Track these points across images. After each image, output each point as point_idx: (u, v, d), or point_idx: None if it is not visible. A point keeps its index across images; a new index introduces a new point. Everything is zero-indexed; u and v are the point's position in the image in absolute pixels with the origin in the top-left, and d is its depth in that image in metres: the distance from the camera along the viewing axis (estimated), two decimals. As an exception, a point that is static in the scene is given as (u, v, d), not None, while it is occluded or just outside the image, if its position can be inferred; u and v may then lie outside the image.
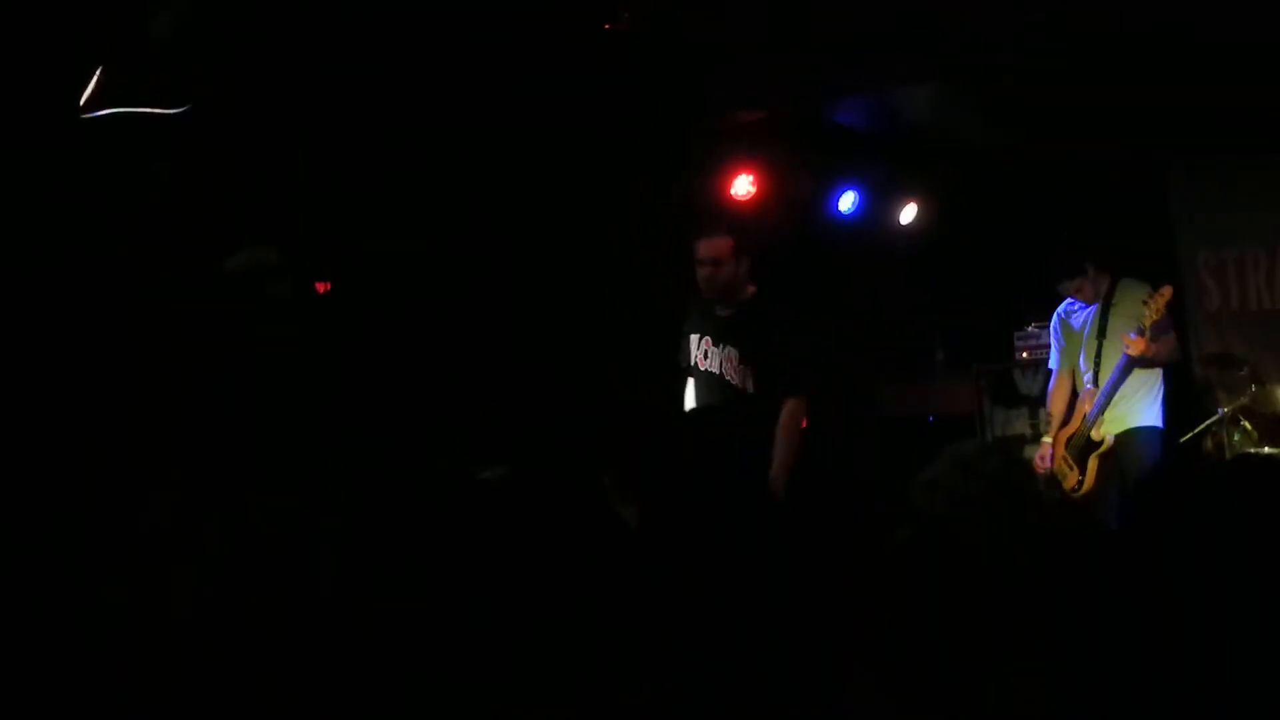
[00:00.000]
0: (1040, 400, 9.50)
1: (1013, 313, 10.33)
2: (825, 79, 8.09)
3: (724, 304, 7.16)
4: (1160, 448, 8.23)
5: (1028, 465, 8.09)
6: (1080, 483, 8.16)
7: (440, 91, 7.06)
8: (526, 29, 6.74)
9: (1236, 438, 9.15)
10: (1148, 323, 7.87)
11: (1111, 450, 8.12)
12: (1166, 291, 7.94)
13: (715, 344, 7.12)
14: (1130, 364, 7.97)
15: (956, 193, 10.00)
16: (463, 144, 7.68)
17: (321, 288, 7.89)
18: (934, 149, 9.37)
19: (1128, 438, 8.15)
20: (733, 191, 9.30)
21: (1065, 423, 8.36)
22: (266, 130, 6.83)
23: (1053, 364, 8.65)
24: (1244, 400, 9.23)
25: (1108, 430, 8.17)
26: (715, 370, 7.07)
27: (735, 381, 7.01)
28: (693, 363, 7.21)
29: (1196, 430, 9.26)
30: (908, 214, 10.30)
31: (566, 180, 8.35)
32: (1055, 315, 8.57)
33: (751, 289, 7.21)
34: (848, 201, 10.04)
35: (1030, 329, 9.91)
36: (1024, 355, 10.31)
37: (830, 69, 7.84)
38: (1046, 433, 8.46)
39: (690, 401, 7.25)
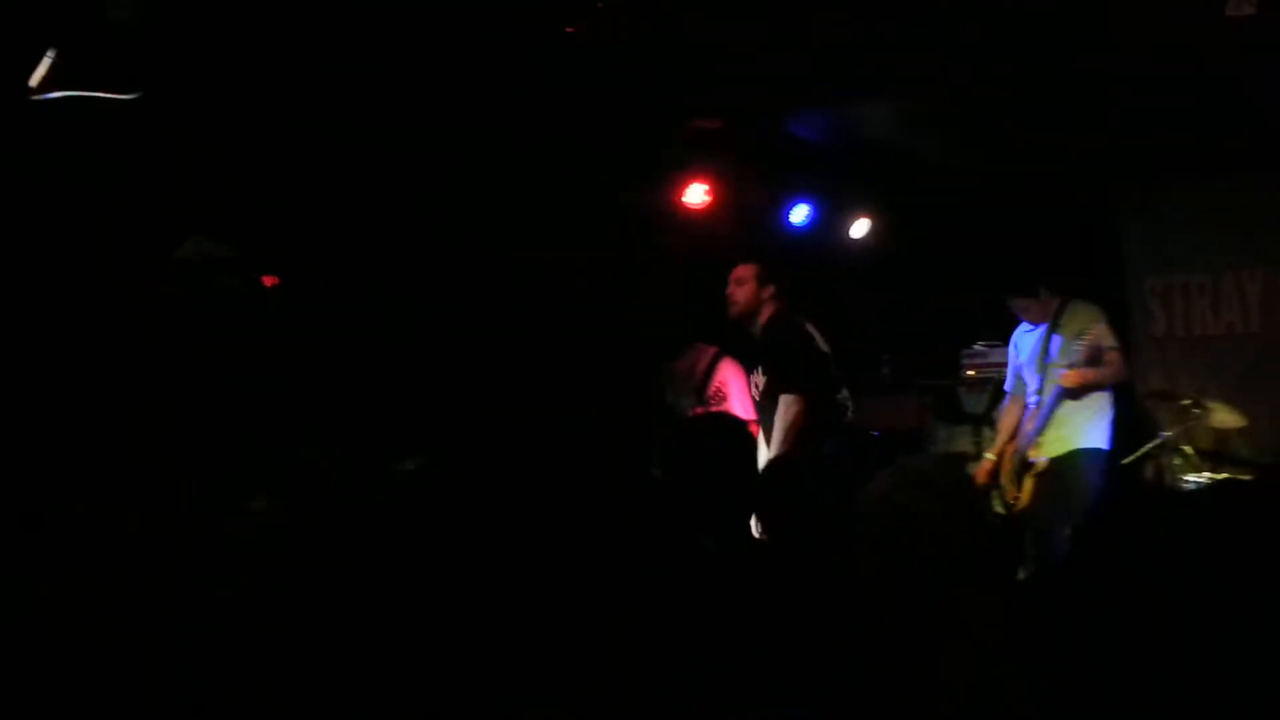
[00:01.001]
0: (984, 418, 9.56)
1: (961, 331, 10.38)
2: (784, 91, 8.08)
3: (749, 329, 7.73)
4: (1102, 470, 8.29)
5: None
6: (1017, 499, 8.27)
7: (398, 90, 7.01)
8: (488, 30, 6.70)
9: (1177, 462, 9.23)
10: (1080, 358, 8.02)
11: (1050, 471, 8.20)
12: (1095, 330, 8.10)
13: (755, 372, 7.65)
14: (1064, 393, 8.11)
15: (910, 210, 10.02)
16: (416, 143, 7.64)
17: (269, 281, 7.84)
18: (889, 165, 9.38)
19: (1071, 459, 8.23)
20: (686, 199, 9.27)
21: (1012, 439, 8.45)
22: (222, 121, 6.78)
23: (1007, 385, 8.75)
24: (1186, 426, 9.32)
25: (1047, 451, 8.26)
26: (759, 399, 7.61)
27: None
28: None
29: (1137, 454, 9.32)
30: (859, 228, 10.31)
31: (519, 182, 8.32)
32: (1012, 337, 8.69)
33: (769, 313, 7.72)
34: (800, 214, 10.03)
35: (978, 347, 9.95)
36: (971, 373, 10.36)
37: (789, 82, 7.84)
38: (990, 449, 8.54)
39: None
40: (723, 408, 8.93)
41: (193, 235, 6.83)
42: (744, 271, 7.74)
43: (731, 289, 7.76)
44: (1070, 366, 8.13)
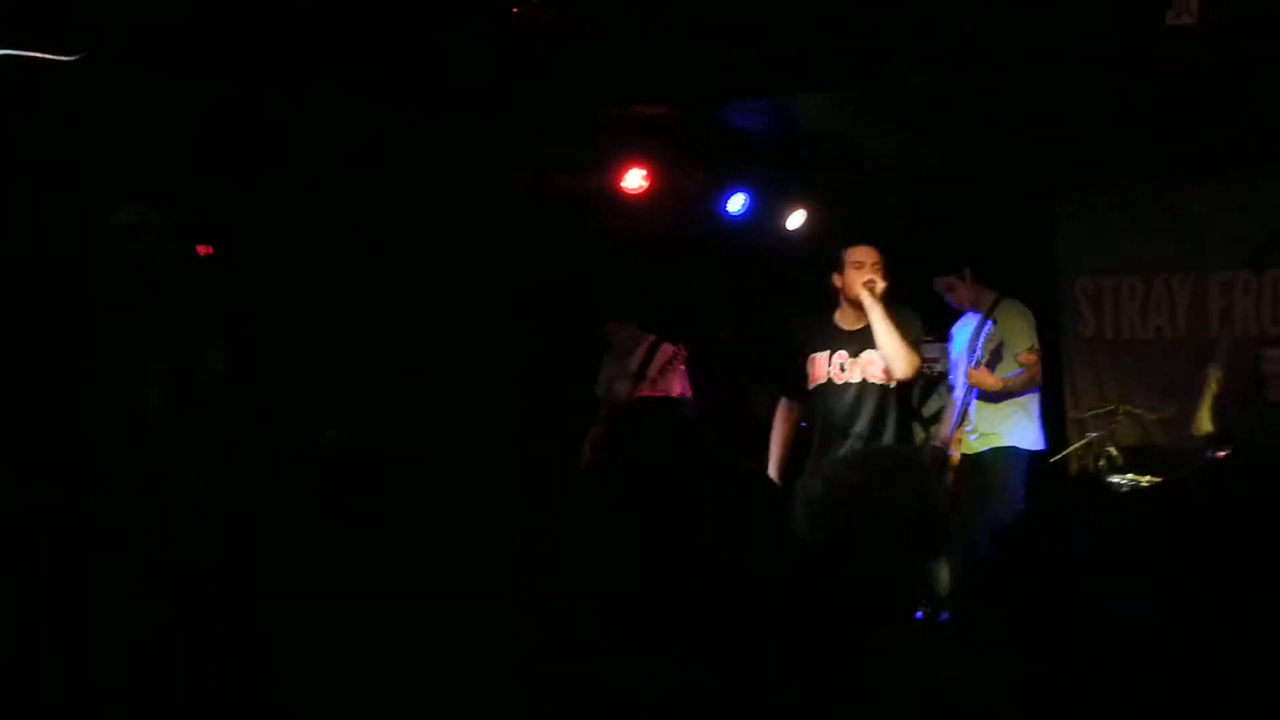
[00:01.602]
0: (915, 413, 9.61)
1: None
2: (725, 81, 8.09)
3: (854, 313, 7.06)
4: (1025, 468, 8.37)
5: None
6: (939, 495, 8.31)
7: (333, 66, 6.98)
8: (433, 12, 6.68)
9: (1102, 463, 9.30)
10: (983, 355, 8.12)
11: (974, 467, 8.28)
12: (996, 330, 8.19)
13: (854, 355, 7.00)
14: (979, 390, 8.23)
15: (848, 203, 10.05)
16: (350, 120, 7.61)
17: (203, 250, 7.80)
18: (828, 157, 9.40)
19: (995, 455, 8.30)
20: (624, 184, 9.28)
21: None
22: (161, 85, 6.73)
23: (951, 378, 8.84)
24: (1112, 427, 9.41)
25: (969, 448, 8.34)
26: (855, 380, 6.99)
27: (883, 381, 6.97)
28: (827, 379, 7.05)
29: (1062, 454, 9.41)
30: (796, 219, 10.33)
31: (456, 163, 8.31)
32: (951, 330, 8.77)
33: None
34: (737, 203, 10.04)
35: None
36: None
37: (731, 71, 7.84)
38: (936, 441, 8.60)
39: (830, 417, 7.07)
40: (661, 391, 8.98)
41: (130, 200, 6.79)
42: (870, 256, 7.10)
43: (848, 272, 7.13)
44: (974, 364, 8.24)
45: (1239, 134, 8.98)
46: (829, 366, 7.06)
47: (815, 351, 7.10)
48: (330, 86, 7.27)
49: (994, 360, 8.41)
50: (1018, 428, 8.46)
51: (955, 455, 8.40)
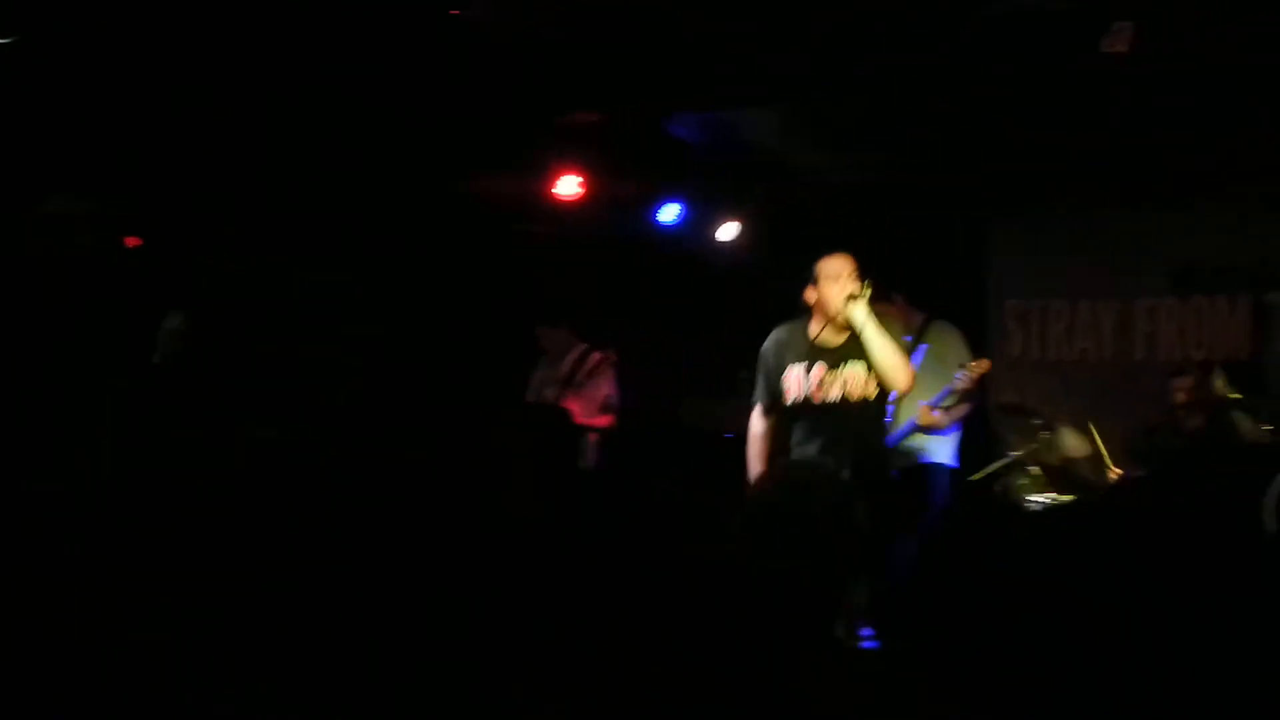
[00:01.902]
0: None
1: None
2: (662, 91, 8.10)
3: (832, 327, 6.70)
4: (948, 486, 8.40)
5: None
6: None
7: (267, 61, 6.95)
8: (372, 10, 6.66)
9: (1023, 482, 9.37)
10: (960, 387, 8.13)
11: (897, 483, 8.28)
12: (984, 364, 8.20)
13: (833, 370, 6.68)
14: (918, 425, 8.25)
15: (781, 216, 10.08)
16: (292, 118, 7.59)
17: (131, 242, 7.76)
18: (764, 170, 9.44)
19: (918, 473, 8.31)
20: (558, 190, 9.28)
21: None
22: (95, 76, 6.69)
23: None
24: (1034, 446, 9.48)
25: (896, 464, 8.33)
26: (835, 397, 6.68)
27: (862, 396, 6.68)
28: (805, 395, 6.72)
29: (985, 472, 9.46)
30: (728, 231, 10.35)
31: (393, 164, 8.30)
32: None
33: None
34: (670, 213, 10.06)
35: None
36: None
37: (669, 81, 7.86)
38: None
39: (803, 435, 6.81)
40: (589, 396, 9.00)
41: (59, 190, 6.74)
42: (844, 266, 6.72)
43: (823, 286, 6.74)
44: (940, 400, 8.23)
45: (1165, 163, 9.10)
46: (806, 382, 6.77)
47: (791, 365, 6.81)
48: (268, 84, 7.24)
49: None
50: (944, 445, 8.49)
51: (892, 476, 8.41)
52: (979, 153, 9.10)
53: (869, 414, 6.74)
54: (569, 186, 9.29)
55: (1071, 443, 9.81)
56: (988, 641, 2.95)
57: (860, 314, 6.55)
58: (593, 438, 9.01)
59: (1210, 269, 9.90)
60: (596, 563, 3.56)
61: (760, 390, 7.01)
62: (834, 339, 6.75)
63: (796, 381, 6.77)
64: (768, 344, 7.01)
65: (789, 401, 6.80)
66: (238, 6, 6.53)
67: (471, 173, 8.64)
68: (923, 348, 8.40)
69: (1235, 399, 8.47)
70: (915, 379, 6.90)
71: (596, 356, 9.06)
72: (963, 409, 8.40)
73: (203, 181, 7.73)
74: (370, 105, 7.60)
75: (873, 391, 6.67)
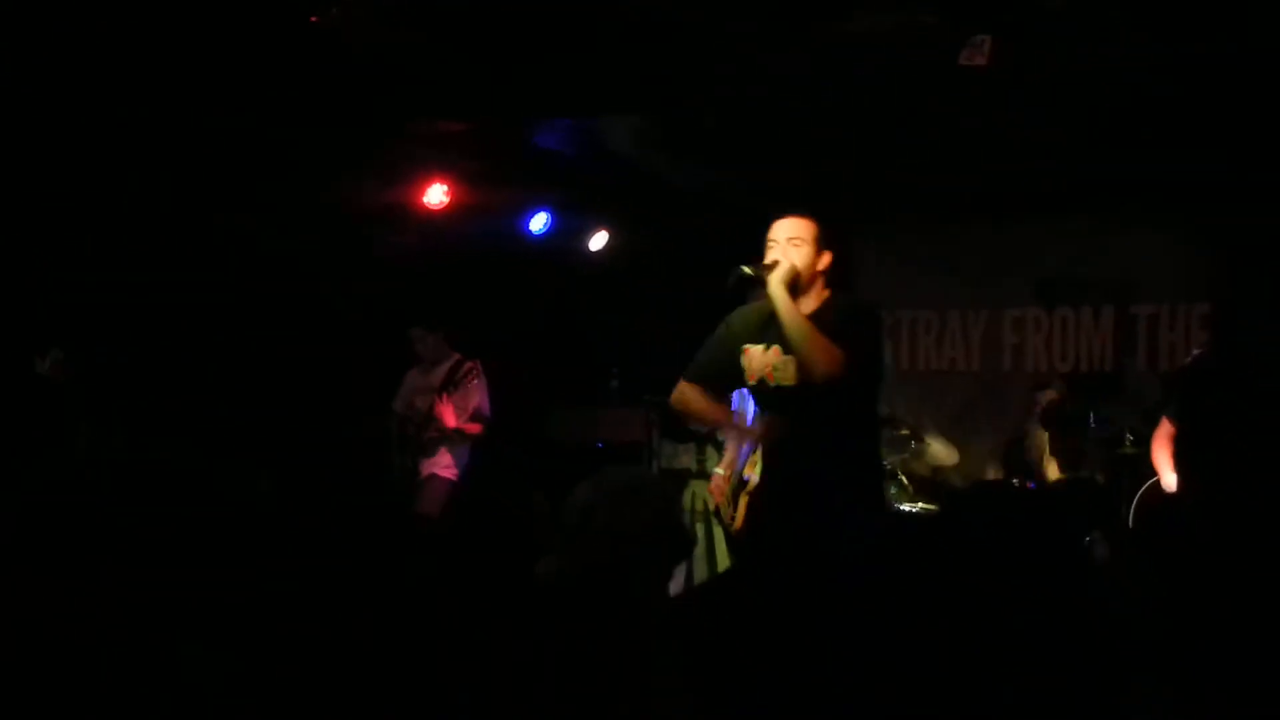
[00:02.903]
0: (708, 437, 9.60)
1: (691, 350, 10.47)
2: (528, 100, 8.07)
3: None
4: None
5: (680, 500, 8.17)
6: (734, 519, 8.31)
7: (133, 65, 6.85)
8: (231, 17, 6.57)
9: (893, 491, 9.43)
10: None
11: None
12: None
13: (787, 352, 5.78)
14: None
15: (649, 225, 10.09)
16: (151, 128, 7.50)
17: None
18: (631, 180, 9.43)
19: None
20: (425, 199, 9.23)
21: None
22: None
23: (733, 404, 8.80)
24: (904, 456, 9.55)
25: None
26: (790, 381, 5.79)
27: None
28: (759, 378, 5.91)
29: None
30: (598, 241, 10.35)
31: (257, 175, 8.22)
32: None
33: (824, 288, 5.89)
34: (539, 222, 10.04)
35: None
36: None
37: (534, 91, 7.83)
38: (719, 464, 8.53)
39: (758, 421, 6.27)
40: (460, 406, 8.97)
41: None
42: (799, 230, 5.85)
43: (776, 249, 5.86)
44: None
45: (1030, 177, 9.21)
46: (763, 362, 5.92)
47: (749, 344, 5.96)
48: (128, 88, 7.13)
49: None
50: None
51: (754, 480, 8.41)
52: (844, 162, 9.14)
53: (830, 401, 5.66)
54: (436, 195, 9.24)
55: (940, 452, 9.92)
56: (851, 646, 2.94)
57: (774, 287, 5.69)
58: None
59: (1075, 281, 10.01)
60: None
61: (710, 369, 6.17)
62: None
63: (755, 360, 5.90)
64: (728, 320, 6.17)
65: (751, 383, 5.98)
66: (92, 12, 6.43)
67: (338, 182, 8.56)
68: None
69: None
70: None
71: (468, 366, 9.03)
72: None
73: (58, 193, 7.61)
74: (233, 114, 7.51)
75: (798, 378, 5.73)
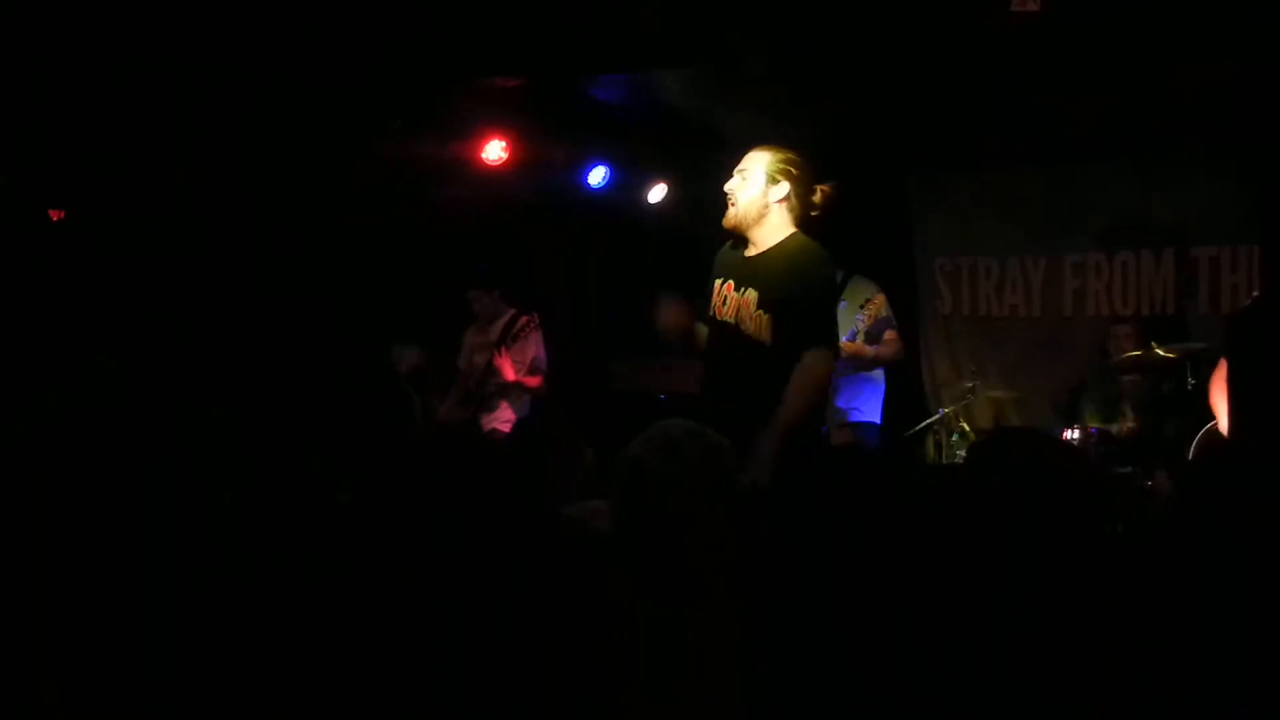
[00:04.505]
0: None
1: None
2: (583, 54, 8.10)
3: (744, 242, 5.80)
4: (876, 443, 8.47)
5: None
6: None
7: (185, 30, 6.92)
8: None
9: (955, 438, 9.45)
10: (862, 328, 8.16)
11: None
12: (878, 300, 8.24)
13: (737, 288, 5.69)
14: (846, 362, 8.19)
15: (707, 177, 10.11)
16: (206, 87, 7.56)
17: (55, 215, 7.73)
18: (688, 132, 9.44)
19: (846, 431, 8.38)
20: (484, 155, 9.28)
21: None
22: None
23: None
24: (965, 403, 9.56)
25: (826, 421, 8.38)
26: (731, 319, 5.67)
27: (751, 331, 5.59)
28: (711, 311, 5.83)
29: (917, 428, 9.55)
30: (657, 193, 10.37)
31: (316, 134, 8.29)
32: None
33: (781, 227, 5.72)
34: (598, 176, 10.07)
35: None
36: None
37: (588, 45, 7.85)
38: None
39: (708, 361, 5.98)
40: (518, 359, 9.04)
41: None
42: (749, 161, 5.78)
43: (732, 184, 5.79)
44: (850, 338, 8.30)
45: (1084, 123, 9.16)
46: (717, 297, 5.83)
47: (716, 277, 5.89)
48: (180, 47, 7.19)
49: (870, 337, 8.45)
50: (870, 403, 8.57)
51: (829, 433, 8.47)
52: (901, 113, 9.12)
53: (759, 353, 5.54)
54: (495, 151, 9.29)
55: (1003, 400, 9.94)
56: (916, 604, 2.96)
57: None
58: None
59: (1134, 224, 9.95)
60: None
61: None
62: (742, 252, 5.85)
63: (716, 294, 5.84)
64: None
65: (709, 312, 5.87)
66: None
67: (395, 138, 8.63)
68: (842, 304, 8.47)
69: (1167, 357, 8.54)
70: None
71: (524, 320, 9.09)
72: (890, 351, 8.47)
73: (110, 156, 7.69)
74: (283, 73, 7.57)
75: (766, 333, 5.54)
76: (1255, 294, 8.73)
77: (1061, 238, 10.27)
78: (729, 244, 5.94)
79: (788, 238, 5.69)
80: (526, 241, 10.02)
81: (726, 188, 5.78)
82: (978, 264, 10.73)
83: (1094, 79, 8.25)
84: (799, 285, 5.53)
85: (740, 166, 5.77)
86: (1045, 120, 9.24)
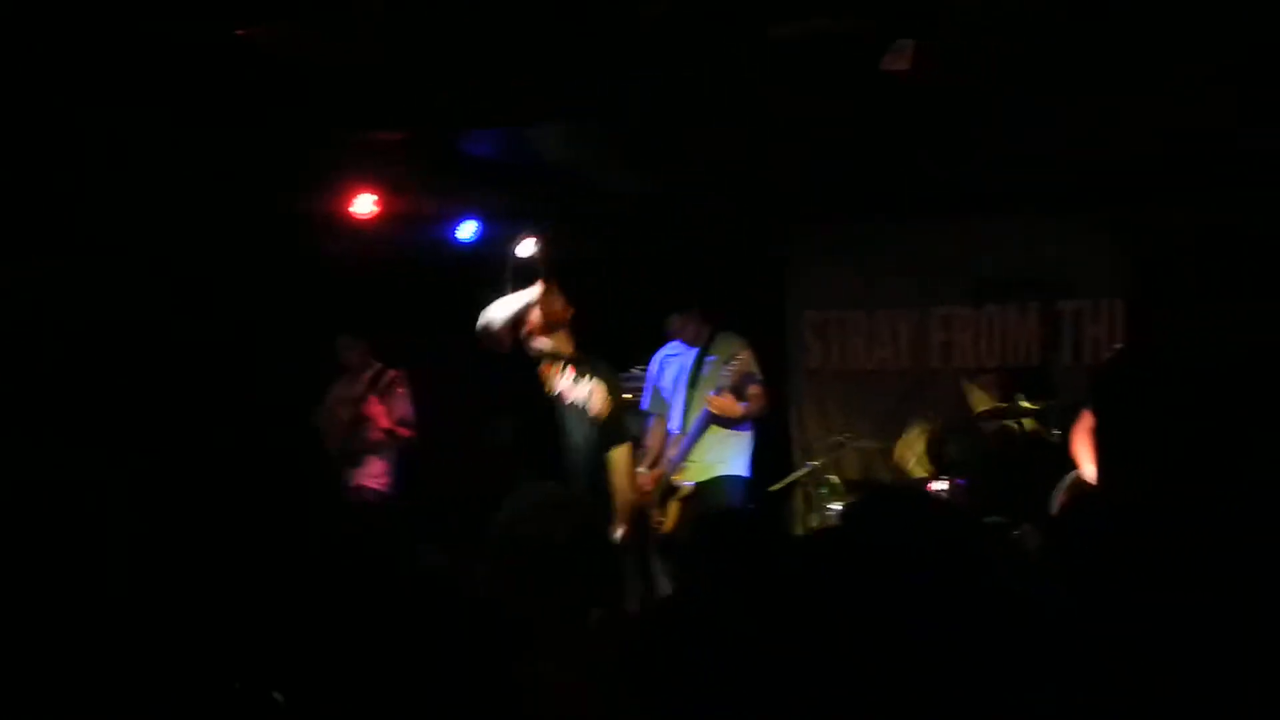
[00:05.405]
0: (637, 440, 9.65)
1: (618, 355, 10.49)
2: (458, 109, 8.08)
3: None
4: (743, 496, 8.50)
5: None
6: (662, 523, 8.40)
7: (61, 67, 6.82)
8: (160, 29, 6.55)
9: (824, 491, 9.51)
10: (728, 383, 8.22)
11: (693, 495, 8.37)
12: (744, 355, 8.29)
13: (581, 375, 7.26)
14: (711, 418, 8.28)
15: (577, 231, 10.11)
16: (82, 135, 7.47)
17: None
18: (560, 186, 9.45)
19: (713, 485, 8.41)
20: (353, 209, 9.22)
21: (656, 463, 8.59)
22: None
23: (643, 404, 8.87)
24: (834, 456, 9.63)
25: (690, 477, 8.43)
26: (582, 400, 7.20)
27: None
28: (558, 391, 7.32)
29: (784, 481, 9.59)
30: (526, 248, 10.33)
31: (184, 182, 8.21)
32: (655, 357, 8.82)
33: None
34: (468, 230, 10.02)
35: (635, 371, 10.04)
36: (627, 396, 10.47)
37: (463, 100, 7.84)
38: (642, 465, 8.57)
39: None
40: (383, 416, 8.98)
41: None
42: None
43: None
44: (717, 392, 8.34)
45: (956, 177, 9.27)
46: (561, 378, 7.22)
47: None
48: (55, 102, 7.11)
49: (737, 392, 8.48)
50: (738, 457, 8.59)
51: (686, 486, 8.48)
52: (773, 168, 9.19)
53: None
54: (365, 205, 9.23)
55: (871, 452, 10.01)
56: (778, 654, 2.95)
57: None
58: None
59: (1003, 279, 10.10)
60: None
61: None
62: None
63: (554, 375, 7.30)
64: None
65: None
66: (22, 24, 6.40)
67: (265, 191, 8.55)
68: (709, 359, 8.53)
69: (1030, 408, 8.68)
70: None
71: (390, 374, 9.05)
72: (756, 406, 8.51)
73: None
74: (159, 124, 7.49)
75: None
76: (1116, 346, 8.89)
77: (930, 290, 10.39)
78: None
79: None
80: (395, 295, 9.94)
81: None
82: (846, 318, 10.82)
83: (969, 138, 8.36)
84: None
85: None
86: (922, 175, 9.34)
